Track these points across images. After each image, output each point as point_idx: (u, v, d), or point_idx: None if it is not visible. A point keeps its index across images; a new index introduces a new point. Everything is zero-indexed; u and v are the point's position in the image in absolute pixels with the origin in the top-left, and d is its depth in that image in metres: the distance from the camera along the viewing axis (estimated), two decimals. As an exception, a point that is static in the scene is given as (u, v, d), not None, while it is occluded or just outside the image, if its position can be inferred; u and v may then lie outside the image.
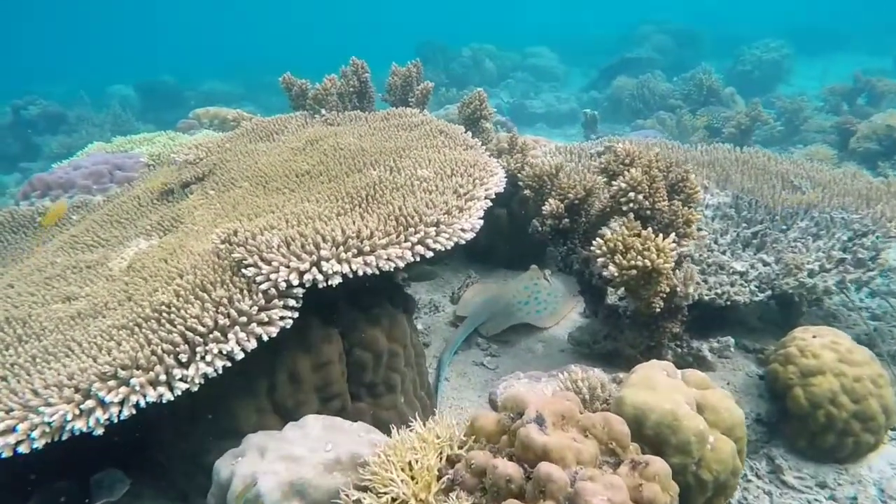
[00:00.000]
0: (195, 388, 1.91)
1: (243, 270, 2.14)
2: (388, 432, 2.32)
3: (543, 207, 2.98)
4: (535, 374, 2.62)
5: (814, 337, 2.68)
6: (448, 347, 3.51)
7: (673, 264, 2.40)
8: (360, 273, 2.06)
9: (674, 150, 4.39)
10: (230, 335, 1.96)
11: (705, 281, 2.98)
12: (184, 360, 1.91)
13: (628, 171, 2.56)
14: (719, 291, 2.90)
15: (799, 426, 2.61)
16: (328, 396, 2.36)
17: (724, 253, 3.32)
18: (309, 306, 2.27)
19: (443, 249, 2.18)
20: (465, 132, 3.42)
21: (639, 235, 2.44)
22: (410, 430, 1.92)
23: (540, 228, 3.16)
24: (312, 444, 1.96)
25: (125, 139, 5.18)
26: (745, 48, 12.91)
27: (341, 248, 2.07)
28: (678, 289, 2.58)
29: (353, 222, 2.25)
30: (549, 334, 3.72)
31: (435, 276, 4.51)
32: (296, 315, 2.10)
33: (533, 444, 1.57)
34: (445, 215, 2.28)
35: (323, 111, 4.11)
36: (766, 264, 3.17)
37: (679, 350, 2.88)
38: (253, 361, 2.20)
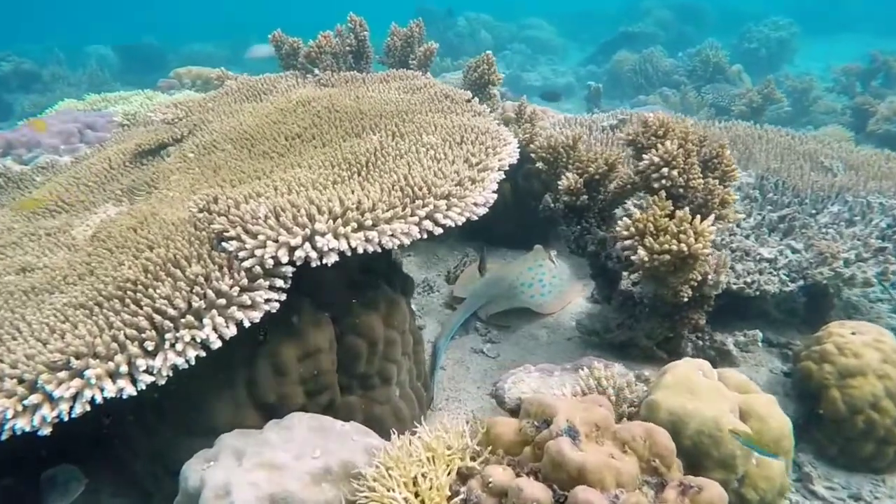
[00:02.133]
0: (162, 381, 1.63)
1: (223, 244, 1.84)
2: (380, 429, 2.06)
3: (559, 182, 2.70)
4: (546, 366, 2.37)
5: (853, 333, 2.45)
6: (444, 332, 3.24)
7: (710, 250, 2.14)
8: (360, 250, 1.77)
9: (692, 125, 4.10)
10: (206, 320, 1.67)
11: (732, 268, 2.73)
12: (150, 348, 1.62)
13: (661, 143, 2.27)
14: (748, 280, 2.65)
15: (832, 431, 2.39)
16: (316, 389, 2.09)
17: (747, 237, 3.07)
18: (296, 286, 1.98)
19: (453, 225, 1.89)
20: (472, 98, 3.10)
21: (672, 216, 2.17)
22: (414, 435, 1.67)
23: (552, 205, 2.88)
24: (298, 449, 1.70)
25: (99, 97, 4.78)
26: (752, 25, 12.51)
27: (339, 221, 1.77)
28: (709, 277, 2.33)
29: (353, 192, 1.95)
30: (553, 320, 3.47)
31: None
32: (283, 297, 1.81)
33: (566, 463, 1.32)
34: (457, 187, 1.99)
35: (316, 71, 3.75)
36: (795, 251, 2.93)
37: (700, 343, 2.64)
38: (231, 347, 1.92)
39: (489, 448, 1.53)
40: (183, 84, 6.44)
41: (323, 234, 1.73)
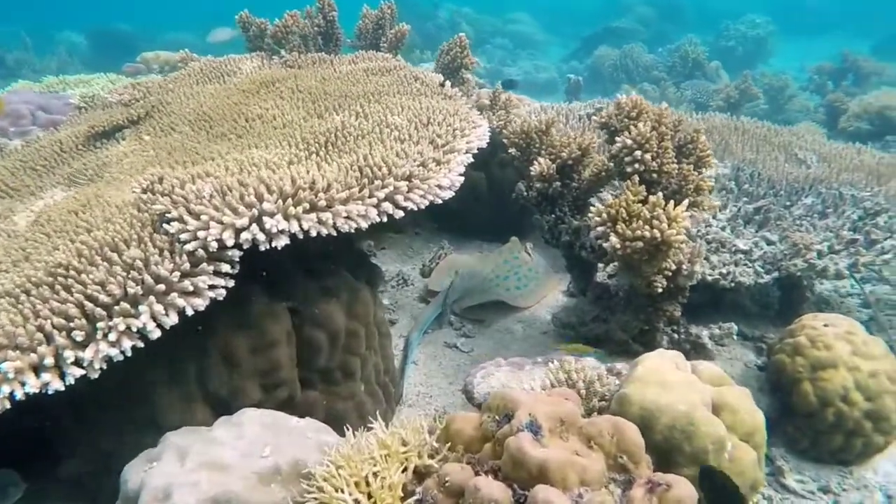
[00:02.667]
0: (95, 375, 1.49)
1: (165, 226, 1.70)
2: (344, 426, 1.96)
3: (531, 168, 2.60)
4: (517, 360, 2.28)
5: (825, 325, 2.40)
6: (417, 326, 3.14)
7: (684, 237, 2.06)
8: (313, 233, 1.65)
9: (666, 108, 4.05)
10: (143, 307, 1.54)
11: (707, 259, 2.67)
12: (79, 338, 1.48)
13: (634, 125, 2.19)
14: (723, 271, 2.59)
15: (804, 424, 2.35)
16: (273, 384, 1.97)
17: (723, 229, 3.01)
18: (250, 274, 1.86)
19: (415, 208, 1.78)
20: (444, 81, 2.99)
21: (645, 202, 2.09)
22: (370, 431, 1.56)
23: (525, 193, 2.79)
24: (247, 447, 1.58)
25: (57, 79, 4.55)
26: (729, 23, 12.59)
27: (290, 201, 1.65)
28: (683, 266, 2.26)
29: (308, 172, 1.83)
30: (528, 314, 3.39)
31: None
32: (231, 284, 1.69)
33: (527, 461, 1.22)
34: (420, 168, 1.88)
35: (283, 52, 3.61)
36: (769, 243, 2.88)
37: (676, 336, 2.57)
38: (179, 339, 1.79)
39: (448, 445, 1.43)
40: (151, 69, 6.21)
41: (272, 215, 1.60)
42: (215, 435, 1.64)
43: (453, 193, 1.94)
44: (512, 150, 2.78)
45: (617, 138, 2.24)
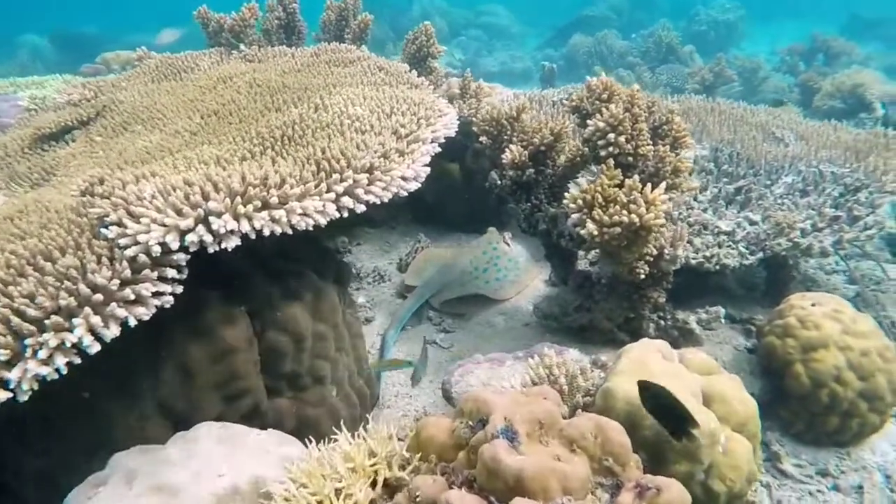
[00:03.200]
0: (24, 397, 1.35)
1: (103, 231, 1.56)
2: (316, 433, 1.82)
3: (503, 156, 2.49)
4: (497, 356, 2.17)
5: (813, 305, 2.33)
6: (393, 323, 3.02)
7: (663, 220, 1.96)
8: (266, 232, 1.52)
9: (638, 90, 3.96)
10: (78, 320, 1.40)
11: (690, 243, 2.58)
12: (4, 357, 1.34)
13: (606, 107, 2.08)
14: (707, 254, 2.50)
15: (798, 407, 2.27)
16: (234, 394, 1.84)
17: (705, 211, 2.93)
18: (205, 279, 1.73)
19: (378, 202, 1.66)
20: (410, 70, 2.87)
21: (621, 185, 1.98)
22: (336, 441, 1.44)
23: (499, 182, 2.68)
24: (202, 466, 1.45)
25: (7, 81, 4.34)
26: (700, 8, 12.61)
27: (239, 199, 1.51)
28: (665, 251, 2.16)
29: (261, 167, 1.69)
30: (510, 306, 3.29)
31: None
32: (179, 290, 1.55)
33: (502, 470, 1.11)
34: (381, 159, 1.75)
35: (242, 46, 3.45)
36: (752, 223, 2.80)
37: (662, 322, 2.48)
38: (131, 351, 1.66)
39: (419, 454, 1.31)
40: (111, 70, 5.99)
41: (219, 215, 1.47)
42: (167, 454, 1.51)
43: (419, 185, 1.82)
44: (483, 139, 2.66)
45: (589, 121, 2.14)
